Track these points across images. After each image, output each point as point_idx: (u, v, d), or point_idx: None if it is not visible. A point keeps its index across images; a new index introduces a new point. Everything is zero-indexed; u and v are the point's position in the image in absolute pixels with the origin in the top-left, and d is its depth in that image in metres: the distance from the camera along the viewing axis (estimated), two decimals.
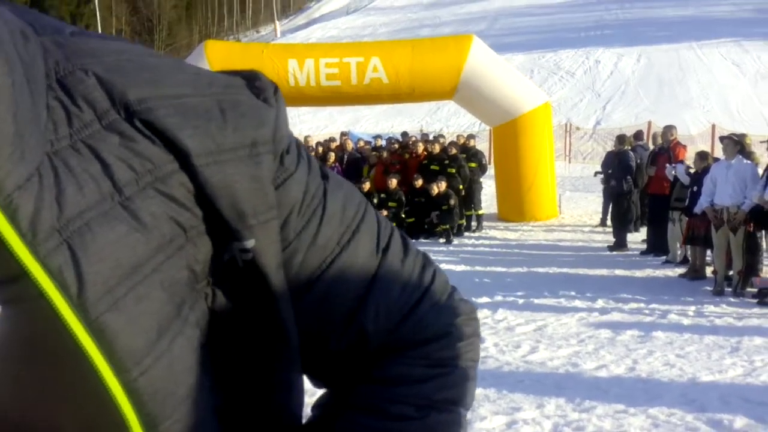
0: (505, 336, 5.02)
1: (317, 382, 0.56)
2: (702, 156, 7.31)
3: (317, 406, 0.56)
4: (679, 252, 7.74)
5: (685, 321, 5.36)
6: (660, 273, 7.48)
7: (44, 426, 0.41)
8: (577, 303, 6.07)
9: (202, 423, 0.45)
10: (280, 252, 0.47)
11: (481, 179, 11.80)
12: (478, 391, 3.76)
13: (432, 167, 10.76)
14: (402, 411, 0.52)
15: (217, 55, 11.57)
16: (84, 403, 0.40)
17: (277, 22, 52.95)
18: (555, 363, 4.35)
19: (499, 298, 6.30)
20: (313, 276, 0.49)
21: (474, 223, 11.26)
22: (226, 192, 0.43)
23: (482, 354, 4.47)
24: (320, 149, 12.06)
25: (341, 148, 12.18)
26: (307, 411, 0.55)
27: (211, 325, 0.45)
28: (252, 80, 0.48)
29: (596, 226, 11.35)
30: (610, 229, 9.75)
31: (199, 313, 0.45)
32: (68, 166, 0.39)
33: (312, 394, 0.56)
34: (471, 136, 12.15)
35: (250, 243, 0.45)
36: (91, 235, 0.39)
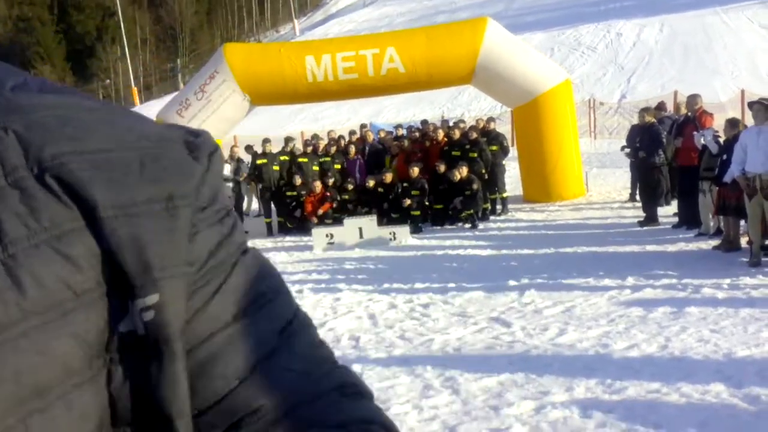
0: (532, 319, 4.95)
1: None
2: (732, 123, 7.06)
3: None
4: (711, 224, 7.52)
5: (720, 294, 5.20)
6: (693, 246, 7.28)
7: None
8: (607, 282, 5.95)
9: None
10: (184, 315, 0.43)
11: (504, 162, 11.64)
12: (506, 377, 3.76)
13: (453, 153, 10.66)
14: None
15: (237, 57, 11.67)
16: None
17: (295, 21, 53.08)
18: (584, 345, 4.28)
19: (525, 280, 6.22)
20: (196, 344, 0.44)
21: (499, 207, 11.14)
22: (133, 244, 0.41)
23: (509, 338, 4.47)
24: (342, 142, 12.05)
25: (362, 140, 12.15)
26: None
27: (107, 408, 0.42)
28: (193, 136, 0.46)
29: (625, 202, 11.10)
30: (640, 204, 9.53)
31: (91, 395, 0.41)
32: None
33: None
34: (491, 119, 11.99)
35: (152, 299, 0.41)
36: None
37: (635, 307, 5.06)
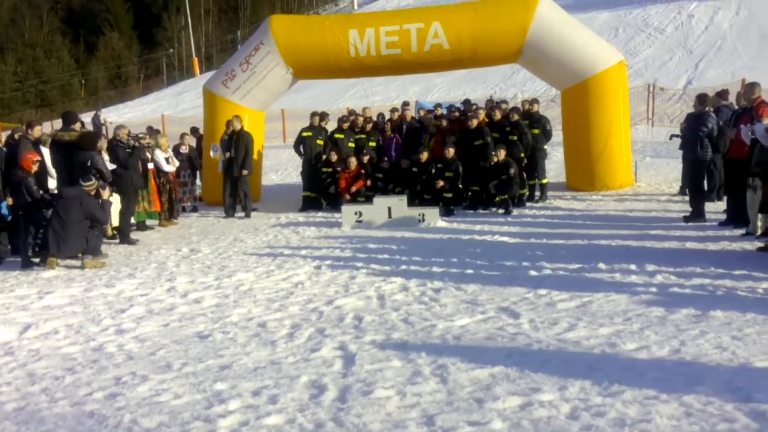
0: (543, 312, 4.77)
1: None
2: None
3: None
4: (759, 223, 7.02)
5: (751, 299, 4.85)
6: (736, 246, 6.82)
7: None
8: (634, 278, 5.66)
9: None
10: None
11: (547, 146, 11.23)
12: (499, 370, 3.64)
13: (492, 135, 10.36)
14: None
15: (282, 29, 11.69)
16: None
17: None
18: (591, 342, 4.08)
19: (547, 271, 6.00)
20: None
21: (537, 193, 10.79)
22: None
23: (513, 330, 4.33)
24: (380, 120, 11.93)
25: (402, 118, 11.99)
26: None
27: None
28: None
29: (674, 195, 10.55)
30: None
31: None
32: None
33: None
34: (534, 101, 11.52)
35: None
36: None
37: (656, 306, 4.79)
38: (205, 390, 3.60)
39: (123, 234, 8.77)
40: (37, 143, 8.57)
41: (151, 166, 9.83)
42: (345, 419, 3.13)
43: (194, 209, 11.67)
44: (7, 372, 4.05)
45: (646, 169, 13.03)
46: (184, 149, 11.55)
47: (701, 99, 8.55)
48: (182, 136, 11.99)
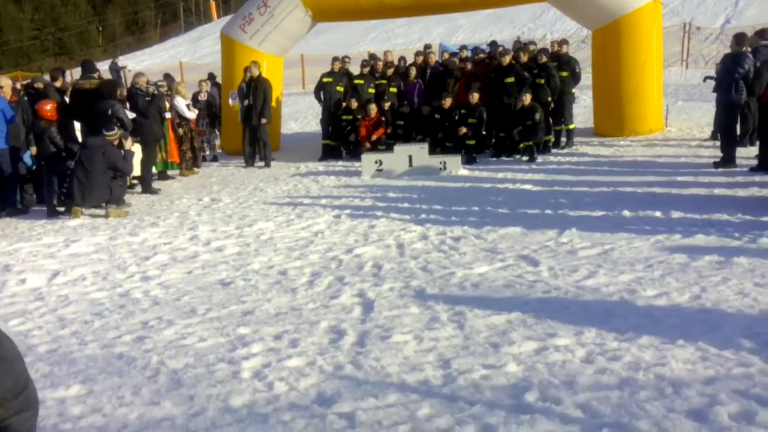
0: (563, 260, 4.75)
1: None
2: None
3: None
4: None
5: None
6: (766, 192, 6.62)
7: None
8: (658, 225, 5.56)
9: None
10: None
11: (575, 90, 10.88)
12: (515, 316, 3.67)
13: (507, 80, 10.01)
14: None
15: None
16: None
17: None
18: (610, 289, 4.06)
19: (570, 219, 5.93)
20: None
21: (564, 139, 10.54)
22: None
23: (532, 278, 4.33)
24: (402, 64, 11.64)
25: (425, 62, 11.67)
26: None
27: None
28: None
29: (706, 140, 10.20)
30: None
31: None
32: None
33: None
34: (564, 42, 11.06)
35: None
36: None
37: (679, 253, 4.72)
38: (228, 334, 3.71)
39: (145, 183, 8.89)
40: (62, 92, 8.63)
41: (168, 115, 9.82)
42: (363, 362, 3.20)
43: (214, 158, 11.73)
44: (38, 317, 4.23)
45: (677, 114, 12.59)
46: (202, 96, 11.51)
47: (739, 39, 8.12)
48: (200, 83, 11.93)
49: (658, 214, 5.92)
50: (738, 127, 8.65)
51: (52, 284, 4.93)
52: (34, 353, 3.61)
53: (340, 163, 10.63)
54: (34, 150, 7.79)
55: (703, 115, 12.24)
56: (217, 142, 12.43)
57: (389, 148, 9.57)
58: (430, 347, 3.35)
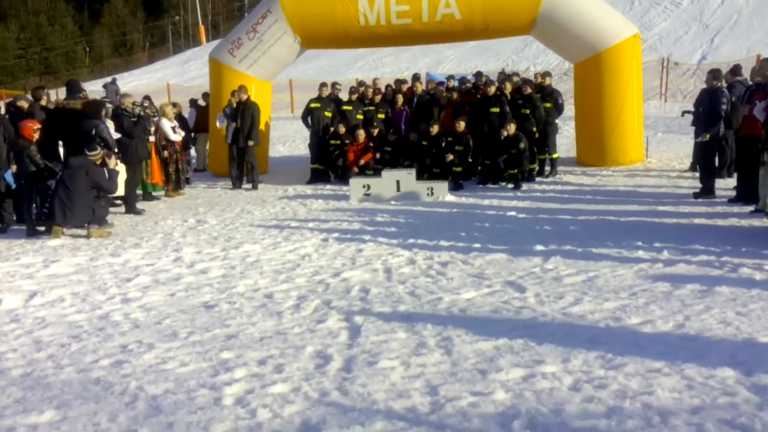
0: (549, 286, 4.77)
1: None
2: None
3: None
4: None
5: (758, 276, 4.82)
6: (745, 223, 6.76)
7: None
8: (641, 253, 5.63)
9: None
10: None
11: (558, 121, 11.09)
12: (503, 342, 3.66)
13: (492, 110, 10.20)
14: None
15: None
16: None
17: None
18: (596, 316, 4.09)
19: (554, 246, 5.98)
20: None
21: (548, 168, 10.70)
22: None
23: (519, 304, 4.33)
24: (389, 91, 11.78)
25: (411, 90, 11.84)
26: None
27: None
28: None
29: (685, 171, 10.43)
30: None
31: None
32: None
33: None
34: (547, 74, 11.34)
35: None
36: None
37: (663, 282, 4.78)
38: (211, 358, 3.64)
39: (129, 204, 8.80)
40: (48, 111, 8.56)
41: (152, 138, 9.75)
42: (350, 388, 3.16)
43: (187, 181, 11.35)
44: (13, 339, 4.11)
45: (657, 145, 12.88)
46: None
47: (715, 74, 8.38)
48: (174, 105, 11.78)
49: (640, 242, 6.00)
50: (716, 159, 8.86)
51: (28, 305, 4.81)
52: (7, 377, 3.50)
53: (328, 186, 10.64)
54: (14, 168, 7.68)
55: (682, 146, 12.53)
56: (194, 163, 12.37)
57: (377, 173, 9.62)
58: (417, 373, 3.32)
